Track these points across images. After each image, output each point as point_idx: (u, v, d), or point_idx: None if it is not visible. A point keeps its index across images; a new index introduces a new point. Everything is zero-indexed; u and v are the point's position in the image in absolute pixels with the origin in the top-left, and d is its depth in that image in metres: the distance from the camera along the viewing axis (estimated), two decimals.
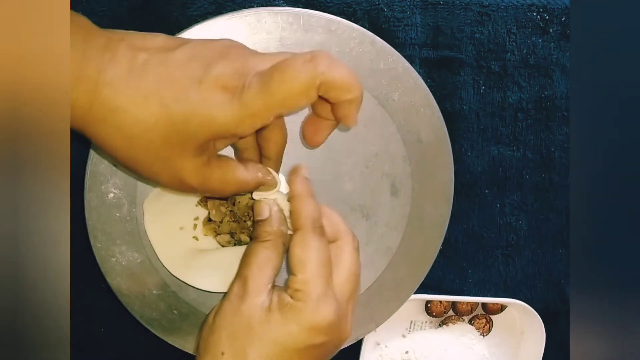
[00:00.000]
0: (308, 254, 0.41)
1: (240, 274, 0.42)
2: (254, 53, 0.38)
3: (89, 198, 0.48)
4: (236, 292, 0.41)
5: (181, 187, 0.39)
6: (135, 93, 0.35)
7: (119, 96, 0.35)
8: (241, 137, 0.42)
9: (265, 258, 0.42)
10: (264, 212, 0.43)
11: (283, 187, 0.44)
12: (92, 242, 0.49)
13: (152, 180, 0.40)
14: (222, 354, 0.40)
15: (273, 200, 0.44)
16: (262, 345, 0.40)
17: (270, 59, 0.37)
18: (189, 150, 0.37)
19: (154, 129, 0.36)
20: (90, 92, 0.35)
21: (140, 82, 0.36)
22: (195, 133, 0.37)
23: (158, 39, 0.38)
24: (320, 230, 0.42)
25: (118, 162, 0.39)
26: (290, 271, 0.44)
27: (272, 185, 0.43)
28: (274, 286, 0.42)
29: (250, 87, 0.36)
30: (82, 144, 0.48)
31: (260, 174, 0.42)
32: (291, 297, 0.40)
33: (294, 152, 0.50)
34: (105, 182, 0.48)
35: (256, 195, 0.44)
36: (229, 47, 0.38)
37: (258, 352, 0.40)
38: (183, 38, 0.39)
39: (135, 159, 0.37)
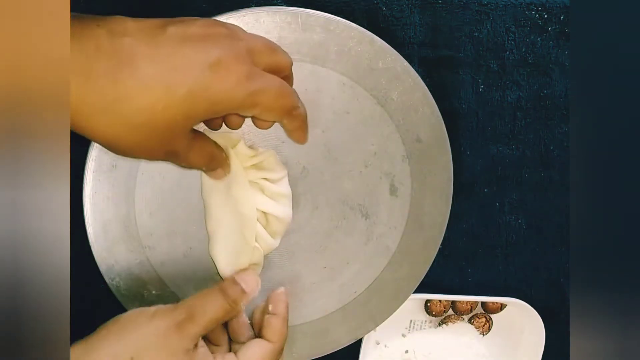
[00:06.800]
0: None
1: (192, 310, 0.42)
2: (233, 32, 0.40)
3: (88, 198, 0.48)
4: (179, 321, 0.42)
5: (167, 159, 0.40)
6: (136, 81, 0.35)
7: (118, 86, 0.35)
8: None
9: (223, 315, 0.44)
10: (252, 286, 0.46)
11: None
12: (90, 242, 0.49)
13: (138, 158, 0.41)
14: None
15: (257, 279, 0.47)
16: None
17: (248, 36, 0.41)
18: (188, 129, 0.39)
19: (162, 114, 0.36)
20: (81, 84, 0.34)
21: (138, 70, 0.35)
22: (202, 114, 0.38)
23: (129, 22, 0.37)
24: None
25: (111, 150, 0.38)
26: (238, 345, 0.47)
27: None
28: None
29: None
30: (82, 144, 0.48)
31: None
32: None
33: (293, 152, 0.50)
34: (104, 183, 0.48)
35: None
36: (208, 27, 0.39)
37: None
38: (150, 19, 0.39)
39: (136, 144, 0.37)
